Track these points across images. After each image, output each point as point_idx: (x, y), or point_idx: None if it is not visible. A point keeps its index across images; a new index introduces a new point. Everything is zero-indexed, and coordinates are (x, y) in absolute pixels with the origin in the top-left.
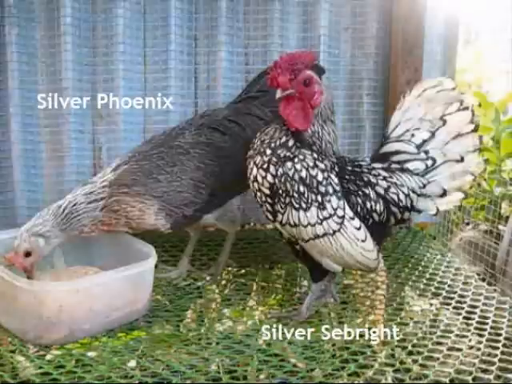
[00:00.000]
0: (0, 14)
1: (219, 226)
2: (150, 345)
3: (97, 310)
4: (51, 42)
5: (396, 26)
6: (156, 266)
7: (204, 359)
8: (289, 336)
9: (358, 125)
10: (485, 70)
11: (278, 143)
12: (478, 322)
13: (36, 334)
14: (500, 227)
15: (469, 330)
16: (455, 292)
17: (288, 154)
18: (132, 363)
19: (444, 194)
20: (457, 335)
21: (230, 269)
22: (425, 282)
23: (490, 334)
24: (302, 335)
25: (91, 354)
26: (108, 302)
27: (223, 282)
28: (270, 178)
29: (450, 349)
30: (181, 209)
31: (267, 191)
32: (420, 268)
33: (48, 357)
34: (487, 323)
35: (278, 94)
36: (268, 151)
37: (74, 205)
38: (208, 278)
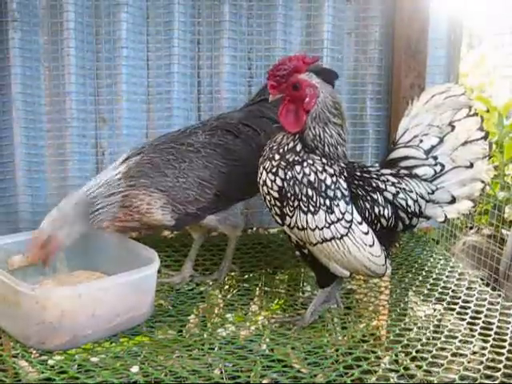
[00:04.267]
0: (3, 19)
1: (221, 229)
2: (153, 350)
3: (99, 315)
4: (54, 47)
5: (399, 30)
6: (159, 271)
7: (207, 364)
8: (292, 341)
9: (362, 129)
10: (487, 74)
11: (286, 149)
12: (482, 328)
13: (38, 339)
14: (503, 232)
15: (473, 336)
16: (459, 297)
17: (297, 158)
18: (135, 368)
19: (453, 201)
20: (461, 341)
21: (233, 274)
22: (428, 286)
23: (494, 339)
24: (305, 340)
25: (94, 359)
26: (111, 308)
27: (226, 287)
28: (278, 181)
29: (454, 354)
30: (184, 205)
31: (276, 194)
32: (423, 273)
33: (50, 362)
34: (491, 328)
35: (270, 98)
36: (277, 156)
37: (95, 196)
38: (211, 283)
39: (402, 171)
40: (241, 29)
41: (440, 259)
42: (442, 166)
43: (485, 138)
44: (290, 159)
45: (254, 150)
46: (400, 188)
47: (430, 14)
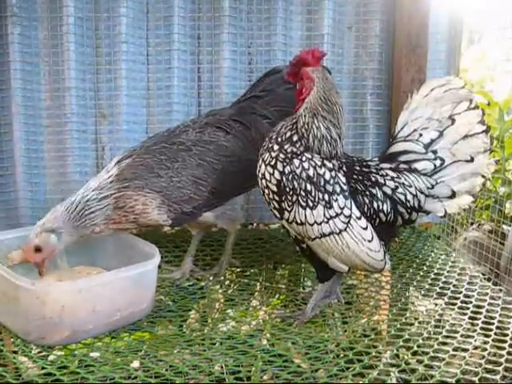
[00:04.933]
0: (2, 14)
1: (219, 224)
2: (154, 345)
3: (100, 310)
4: (54, 42)
5: (400, 24)
6: (159, 267)
7: (208, 360)
8: (293, 336)
9: (362, 124)
10: (488, 69)
11: (283, 138)
12: (483, 322)
13: (38, 334)
14: (504, 227)
15: (474, 330)
16: (460, 292)
17: (294, 149)
18: (135, 364)
19: (453, 195)
20: (462, 335)
21: (233, 269)
22: (429, 282)
23: (495, 334)
24: (306, 335)
25: (94, 354)
26: (111, 303)
27: (227, 282)
28: (277, 174)
29: (455, 349)
30: (179, 205)
31: (274, 188)
32: (425, 268)
33: (51, 357)
34: (493, 323)
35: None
36: (276, 147)
37: (87, 201)
38: (211, 278)
39: (402, 165)
40: (241, 24)
41: (441, 254)
42: (442, 160)
43: (486, 131)
44: (288, 150)
45: (246, 145)
46: (399, 183)
47: (430, 8)
